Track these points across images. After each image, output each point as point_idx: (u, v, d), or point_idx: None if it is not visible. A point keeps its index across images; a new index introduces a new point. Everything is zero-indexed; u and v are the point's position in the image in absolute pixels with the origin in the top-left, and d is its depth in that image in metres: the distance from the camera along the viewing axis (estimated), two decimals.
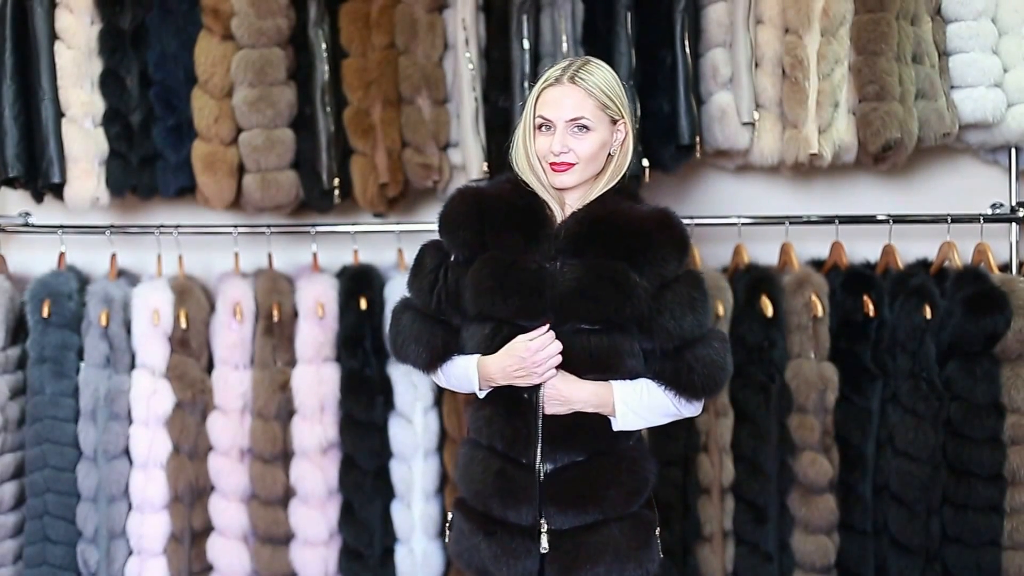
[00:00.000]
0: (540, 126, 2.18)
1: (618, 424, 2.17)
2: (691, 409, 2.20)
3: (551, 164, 2.16)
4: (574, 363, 2.13)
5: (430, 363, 2.26)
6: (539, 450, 2.15)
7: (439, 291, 2.24)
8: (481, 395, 2.23)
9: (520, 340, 2.13)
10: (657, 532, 2.24)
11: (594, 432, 2.16)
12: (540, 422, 2.15)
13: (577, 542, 2.14)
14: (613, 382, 2.16)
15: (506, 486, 2.16)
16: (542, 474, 2.15)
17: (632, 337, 2.14)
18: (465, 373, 2.21)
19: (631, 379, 2.16)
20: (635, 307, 2.11)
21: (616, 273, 2.12)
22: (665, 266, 2.15)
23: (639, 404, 2.16)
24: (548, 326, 2.14)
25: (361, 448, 3.20)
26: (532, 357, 2.11)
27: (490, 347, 2.17)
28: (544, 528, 2.15)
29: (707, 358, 2.15)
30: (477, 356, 2.19)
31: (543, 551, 2.15)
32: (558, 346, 2.12)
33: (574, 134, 2.15)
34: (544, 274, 2.15)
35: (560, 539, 2.15)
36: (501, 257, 2.18)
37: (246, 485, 3.23)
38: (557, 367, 2.13)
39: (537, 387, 2.15)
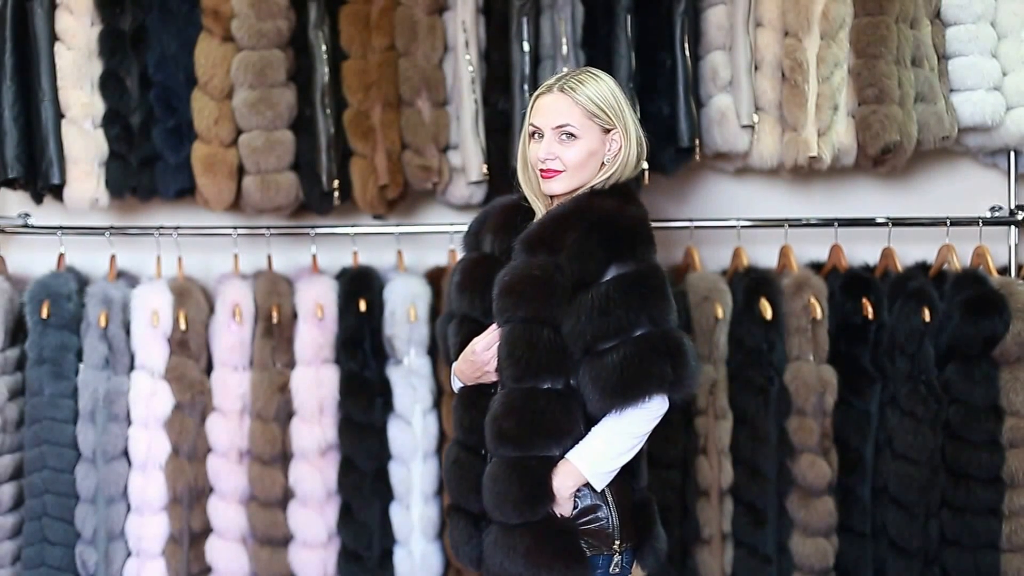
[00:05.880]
0: (532, 133, 2.24)
1: (598, 483, 2.13)
2: (648, 409, 2.10)
3: (541, 171, 2.21)
4: (503, 358, 2.14)
5: (448, 359, 2.39)
6: None
7: (450, 295, 2.37)
8: (455, 390, 2.34)
9: (470, 346, 2.22)
10: (606, 548, 2.15)
11: (505, 433, 2.12)
12: None
13: (495, 536, 2.15)
14: (568, 454, 2.12)
15: (459, 473, 2.26)
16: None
17: (557, 333, 2.11)
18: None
19: (556, 376, 2.11)
20: (555, 306, 2.11)
21: (543, 270, 2.12)
22: (587, 261, 2.11)
23: (601, 454, 2.11)
24: (496, 324, 2.20)
25: (360, 450, 3.19)
26: (479, 358, 2.19)
27: (455, 343, 2.28)
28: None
29: (611, 364, 2.07)
30: (454, 363, 2.31)
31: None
32: None
33: (561, 141, 2.20)
34: (496, 272, 2.20)
35: (490, 531, 2.18)
36: (471, 257, 2.30)
37: (245, 486, 3.23)
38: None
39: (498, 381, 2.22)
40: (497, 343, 2.17)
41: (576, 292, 2.11)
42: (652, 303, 2.10)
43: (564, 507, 2.13)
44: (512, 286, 2.14)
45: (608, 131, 2.22)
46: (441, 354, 2.47)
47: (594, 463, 2.12)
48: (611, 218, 2.15)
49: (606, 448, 2.12)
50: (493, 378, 2.21)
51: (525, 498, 2.11)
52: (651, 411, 2.11)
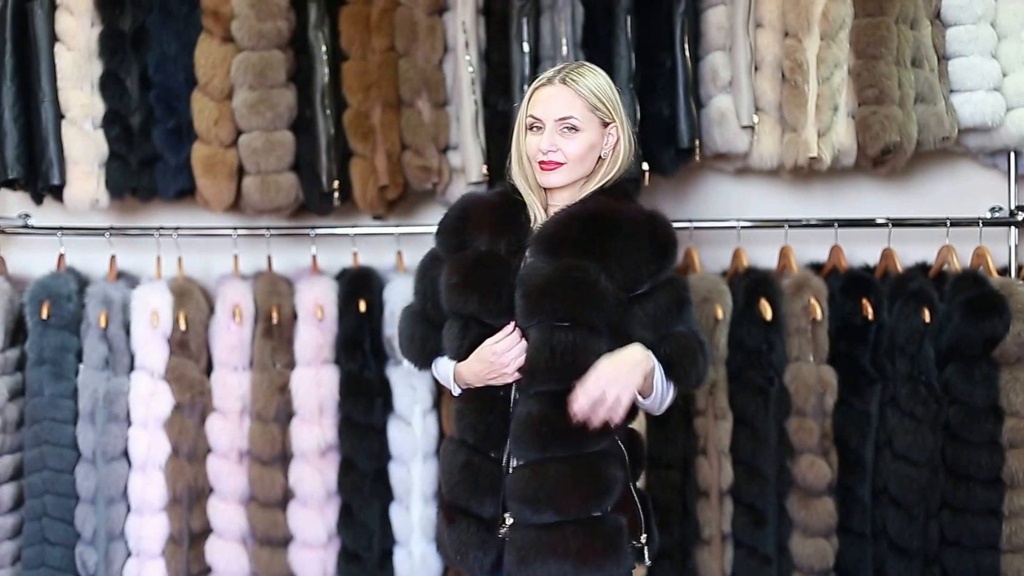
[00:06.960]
0: (531, 126, 2.22)
1: (656, 393, 2.16)
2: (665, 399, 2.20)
3: (540, 163, 2.20)
4: (537, 359, 2.13)
5: (420, 361, 2.36)
6: (508, 445, 2.18)
7: (426, 293, 2.31)
8: (455, 393, 2.29)
9: (486, 344, 2.17)
10: (636, 540, 2.21)
11: (560, 432, 2.12)
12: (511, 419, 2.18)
13: (535, 538, 2.13)
14: (638, 347, 2.13)
15: (470, 477, 2.20)
16: (509, 469, 2.18)
17: (601, 337, 2.12)
18: (447, 377, 2.29)
19: None
20: (603, 311, 2.11)
21: (586, 274, 2.11)
22: (639, 270, 2.14)
23: (660, 375, 2.17)
24: (513, 324, 2.16)
25: (360, 450, 3.20)
26: (499, 359, 2.15)
27: (460, 346, 2.22)
28: (508, 522, 2.17)
29: (676, 349, 2.16)
30: (454, 363, 2.25)
31: (504, 540, 2.18)
32: (523, 345, 2.15)
33: (563, 134, 2.19)
34: (508, 272, 2.18)
35: (520, 532, 2.16)
36: (470, 256, 2.23)
37: (245, 487, 3.23)
38: (520, 368, 2.15)
39: (510, 384, 2.18)
40: (518, 344, 2.14)
41: (627, 299, 2.13)
42: (685, 309, 2.20)
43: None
44: (546, 288, 2.12)
45: (607, 124, 2.22)
46: (405, 353, 2.38)
47: (657, 368, 2.15)
48: (651, 224, 2.18)
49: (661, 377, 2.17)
50: (508, 380, 2.17)
51: (593, 493, 2.13)
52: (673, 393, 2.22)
